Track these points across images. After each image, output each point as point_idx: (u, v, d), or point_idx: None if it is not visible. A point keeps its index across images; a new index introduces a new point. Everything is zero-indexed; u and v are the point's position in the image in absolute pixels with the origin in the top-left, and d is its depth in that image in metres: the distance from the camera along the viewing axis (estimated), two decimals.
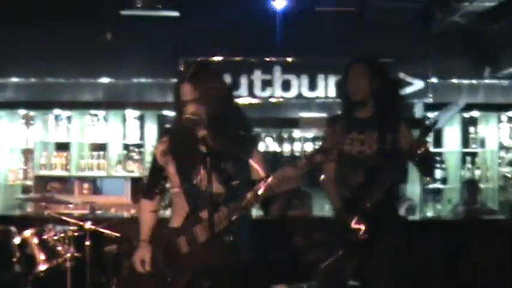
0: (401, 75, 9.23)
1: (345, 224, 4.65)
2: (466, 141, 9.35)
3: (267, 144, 9.36)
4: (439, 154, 9.32)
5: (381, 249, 4.64)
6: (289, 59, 9.36)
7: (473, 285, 7.64)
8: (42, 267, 6.38)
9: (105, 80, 9.74)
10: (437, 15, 8.80)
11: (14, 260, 6.34)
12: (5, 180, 9.44)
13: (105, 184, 9.78)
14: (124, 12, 8.84)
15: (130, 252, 3.93)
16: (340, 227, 4.69)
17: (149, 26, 9.08)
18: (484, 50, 9.55)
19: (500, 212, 8.97)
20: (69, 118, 9.44)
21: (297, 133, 9.39)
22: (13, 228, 6.52)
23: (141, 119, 9.44)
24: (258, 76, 9.34)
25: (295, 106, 9.50)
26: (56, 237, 6.49)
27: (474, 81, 9.79)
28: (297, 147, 9.34)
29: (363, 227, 4.60)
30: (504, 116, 9.41)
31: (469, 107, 9.11)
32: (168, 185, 3.95)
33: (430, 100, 9.30)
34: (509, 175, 9.40)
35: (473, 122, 9.45)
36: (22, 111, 9.48)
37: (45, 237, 6.46)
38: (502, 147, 9.38)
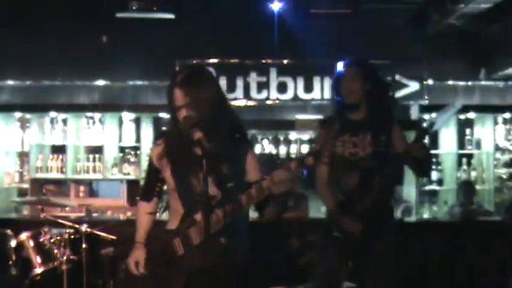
0: (397, 77, 9.23)
1: (340, 225, 4.65)
2: (462, 142, 9.35)
3: (263, 146, 9.36)
4: (435, 156, 9.33)
5: (376, 250, 4.64)
6: (285, 61, 9.36)
7: (469, 287, 7.66)
8: (39, 270, 6.38)
9: (101, 82, 9.74)
10: (433, 17, 8.81)
11: (10, 263, 6.33)
12: (1, 183, 9.42)
13: (101, 187, 9.77)
14: (120, 15, 8.83)
15: (126, 254, 3.92)
16: (335, 229, 4.69)
17: (145, 29, 9.08)
18: (479, 51, 9.57)
19: (496, 213, 8.98)
20: (65, 121, 9.42)
21: (293, 135, 9.39)
22: (9, 231, 6.52)
23: (137, 121, 9.43)
24: (254, 78, 9.33)
25: (291, 108, 9.50)
26: (52, 240, 6.49)
27: (470, 83, 9.81)
28: (293, 149, 9.33)
29: (358, 229, 4.60)
30: (500, 118, 9.42)
31: (465, 109, 9.12)
32: (165, 187, 3.95)
33: (425, 102, 9.30)
34: (505, 176, 9.41)
35: (469, 123, 9.46)
36: (18, 114, 9.47)
37: (41, 240, 6.46)
38: (497, 148, 9.39)
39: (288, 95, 9.33)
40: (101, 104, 9.54)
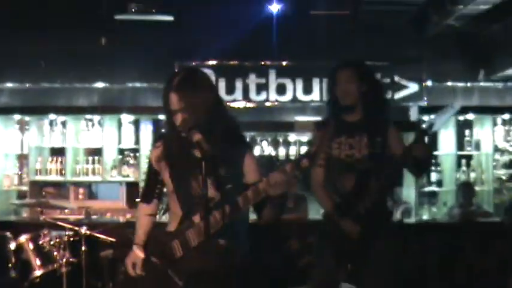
0: (397, 78, 9.23)
1: (338, 227, 4.64)
2: (461, 144, 9.36)
3: (263, 148, 9.36)
4: (435, 157, 9.33)
5: (375, 252, 4.64)
6: (284, 63, 9.35)
7: None
8: (38, 272, 6.39)
9: (100, 84, 9.74)
10: (433, 19, 8.82)
11: (10, 265, 6.34)
12: (0, 186, 9.40)
13: (101, 189, 9.77)
14: (118, 17, 8.83)
15: (126, 256, 3.93)
16: (332, 231, 4.68)
17: (144, 31, 9.08)
18: (478, 52, 9.58)
19: (495, 214, 8.98)
20: (64, 123, 9.42)
21: (292, 137, 9.39)
22: (8, 234, 6.52)
23: (136, 123, 9.43)
24: (252, 80, 9.32)
25: (290, 110, 9.49)
26: (51, 243, 6.50)
27: (469, 84, 9.81)
28: (293, 151, 9.33)
29: (356, 231, 4.60)
30: (499, 119, 9.42)
31: (464, 110, 9.11)
32: (165, 189, 3.95)
33: (425, 103, 9.29)
34: (504, 177, 9.41)
35: (468, 124, 9.46)
36: (17, 117, 9.47)
37: (40, 242, 6.46)
38: (497, 149, 9.38)
39: (287, 96, 9.32)
40: (100, 106, 9.54)
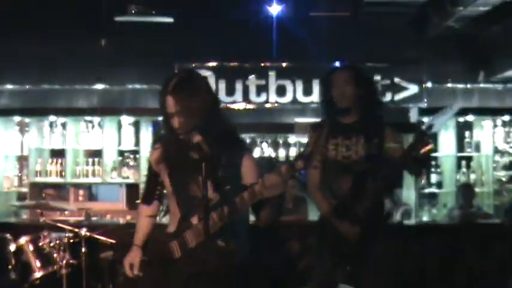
0: (397, 79, 9.23)
1: (336, 229, 4.64)
2: (461, 145, 9.36)
3: (263, 149, 9.36)
4: (435, 158, 9.33)
5: (375, 253, 4.63)
6: (284, 64, 9.36)
7: None
8: (38, 274, 6.38)
9: (100, 86, 9.74)
10: (432, 20, 8.82)
11: (10, 267, 6.33)
12: (0, 187, 9.43)
13: (101, 190, 9.78)
14: (119, 19, 8.84)
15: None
16: (330, 233, 4.68)
17: (144, 32, 9.08)
18: (478, 54, 9.58)
19: (495, 215, 8.98)
20: (64, 125, 9.43)
21: (292, 138, 9.39)
22: (8, 236, 6.51)
23: (136, 125, 9.43)
24: (253, 81, 9.32)
25: (290, 111, 9.50)
26: (51, 244, 6.48)
27: (469, 86, 9.82)
28: (293, 152, 9.32)
29: (355, 232, 4.60)
30: (499, 120, 9.43)
31: (464, 112, 9.13)
32: (165, 191, 3.96)
33: (425, 105, 9.29)
34: (504, 179, 9.42)
35: (468, 126, 9.47)
36: (17, 118, 9.48)
37: (40, 244, 6.45)
38: (496, 151, 9.40)
39: (287, 98, 9.32)
40: (100, 107, 9.54)
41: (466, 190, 8.88)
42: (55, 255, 6.46)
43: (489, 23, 8.80)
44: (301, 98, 9.31)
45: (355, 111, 4.79)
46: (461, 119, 9.32)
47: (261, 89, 9.33)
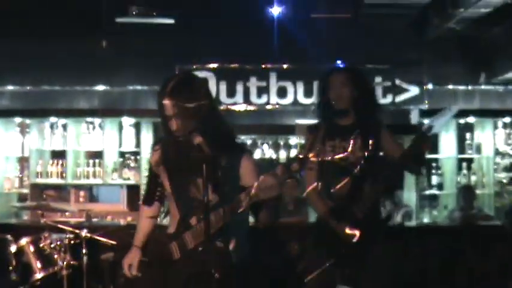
0: (397, 81, 9.23)
1: (333, 231, 4.63)
2: (462, 147, 9.36)
3: (263, 151, 9.36)
4: (435, 160, 9.33)
5: (374, 255, 4.63)
6: (285, 66, 9.36)
7: None
8: (39, 275, 6.37)
9: (100, 87, 9.74)
10: (433, 22, 8.82)
11: (10, 268, 6.32)
12: (1, 189, 9.43)
13: (101, 192, 9.78)
14: (119, 20, 8.84)
15: None
16: (328, 235, 4.67)
17: (145, 34, 9.08)
18: (479, 56, 9.58)
19: (496, 217, 8.97)
20: (64, 126, 9.43)
21: (293, 140, 9.40)
22: (9, 237, 6.50)
23: (137, 126, 9.43)
24: (253, 83, 9.32)
25: (291, 113, 9.50)
26: (52, 245, 6.48)
27: (470, 87, 9.82)
28: (293, 154, 9.31)
29: (354, 234, 4.59)
30: (500, 122, 9.43)
31: (464, 113, 9.13)
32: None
33: (425, 106, 9.29)
34: (505, 181, 9.41)
35: (469, 128, 9.46)
36: (18, 119, 9.48)
37: (41, 245, 6.44)
38: (497, 153, 9.40)
39: (288, 99, 9.32)
40: (101, 109, 9.54)
41: (466, 192, 8.88)
42: (56, 256, 6.45)
43: (490, 24, 8.80)
44: (302, 99, 9.31)
45: (352, 113, 4.79)
46: (462, 121, 9.33)
47: (262, 91, 9.33)
